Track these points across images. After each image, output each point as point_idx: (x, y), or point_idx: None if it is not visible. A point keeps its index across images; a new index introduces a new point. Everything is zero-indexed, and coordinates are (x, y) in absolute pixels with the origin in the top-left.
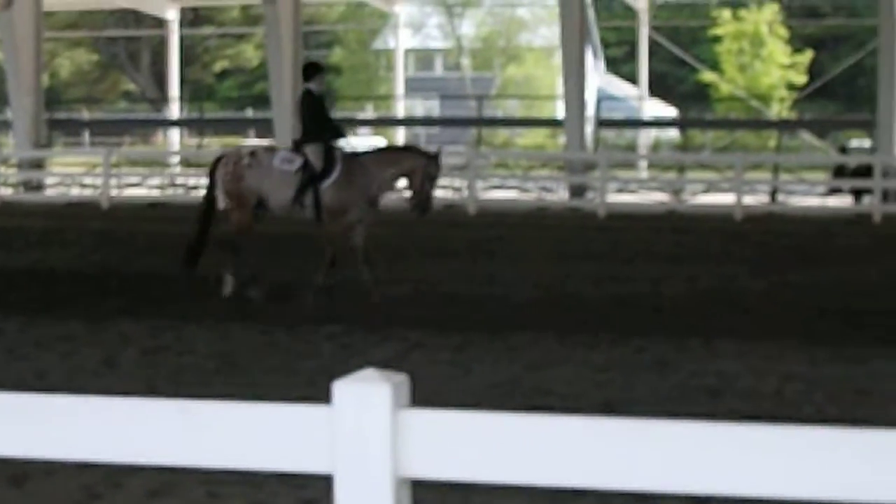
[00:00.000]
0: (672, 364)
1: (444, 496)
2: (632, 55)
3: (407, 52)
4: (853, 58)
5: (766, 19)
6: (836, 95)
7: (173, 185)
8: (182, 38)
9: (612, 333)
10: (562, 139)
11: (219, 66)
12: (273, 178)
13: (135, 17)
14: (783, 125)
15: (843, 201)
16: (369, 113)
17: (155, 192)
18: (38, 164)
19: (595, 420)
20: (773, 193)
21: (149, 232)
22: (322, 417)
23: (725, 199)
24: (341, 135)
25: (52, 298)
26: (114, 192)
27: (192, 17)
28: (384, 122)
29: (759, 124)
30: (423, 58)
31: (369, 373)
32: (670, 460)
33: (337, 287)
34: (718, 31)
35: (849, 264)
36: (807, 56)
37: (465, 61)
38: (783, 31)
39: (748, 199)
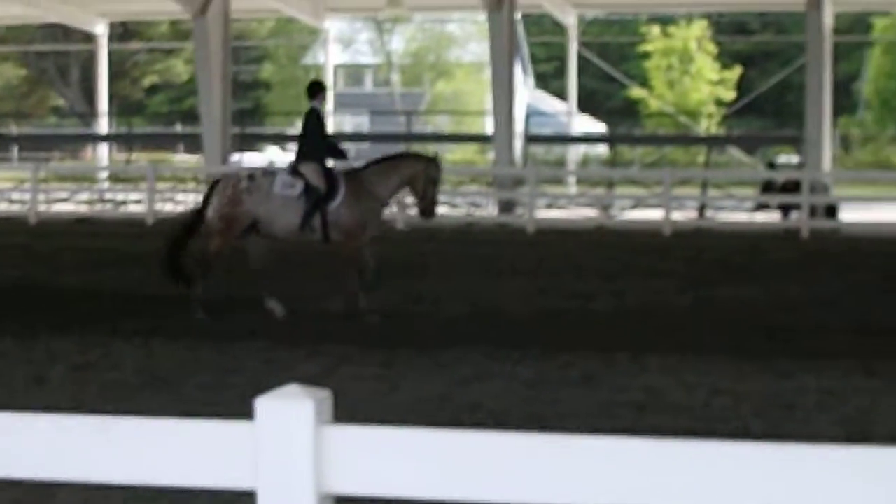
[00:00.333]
0: (600, 379)
1: None
2: (561, 71)
3: (337, 67)
4: (781, 74)
5: (695, 36)
6: (765, 111)
7: (102, 200)
8: (111, 53)
9: (541, 348)
10: (491, 155)
11: (148, 80)
12: (274, 204)
13: (63, 32)
14: (712, 141)
15: (771, 217)
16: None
17: (83, 208)
18: None
19: (520, 435)
20: (702, 209)
21: (77, 247)
22: (245, 433)
23: (654, 214)
24: (343, 156)
25: None
26: (42, 208)
27: (121, 32)
28: None
29: (688, 140)
30: (352, 73)
31: (292, 388)
32: (595, 475)
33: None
34: (648, 47)
35: (777, 279)
36: (735, 72)
37: (395, 77)
38: (712, 48)
39: (677, 215)
